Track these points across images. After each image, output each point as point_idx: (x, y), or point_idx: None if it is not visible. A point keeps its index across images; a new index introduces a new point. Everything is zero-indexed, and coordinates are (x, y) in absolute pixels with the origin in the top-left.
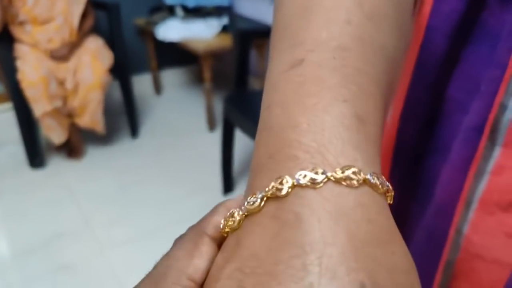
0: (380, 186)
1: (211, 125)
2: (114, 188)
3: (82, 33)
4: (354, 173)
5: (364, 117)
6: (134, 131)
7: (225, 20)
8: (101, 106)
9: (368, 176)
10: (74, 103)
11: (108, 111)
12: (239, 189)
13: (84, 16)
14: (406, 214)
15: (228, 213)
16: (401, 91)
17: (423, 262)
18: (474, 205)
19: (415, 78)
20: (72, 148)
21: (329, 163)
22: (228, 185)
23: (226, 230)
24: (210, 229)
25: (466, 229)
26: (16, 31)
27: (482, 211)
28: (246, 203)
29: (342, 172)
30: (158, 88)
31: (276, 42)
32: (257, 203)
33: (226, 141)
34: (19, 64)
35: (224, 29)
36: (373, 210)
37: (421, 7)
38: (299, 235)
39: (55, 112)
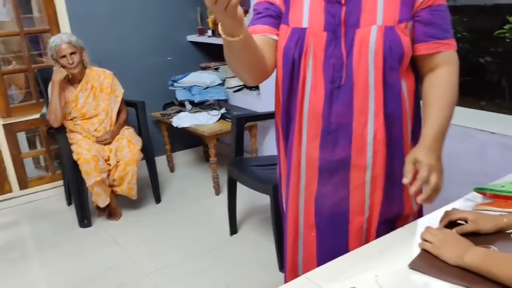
0: None
1: (217, 191)
2: (146, 237)
3: (119, 124)
4: None
5: None
6: (157, 198)
7: (223, 110)
8: (135, 177)
9: None
10: (115, 175)
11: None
12: (242, 231)
13: (119, 112)
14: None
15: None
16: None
17: None
18: None
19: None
20: (111, 211)
21: None
22: (233, 228)
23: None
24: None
25: None
26: (68, 124)
27: None
28: None
29: None
30: (171, 167)
31: None
32: None
33: (231, 192)
34: (74, 148)
35: (222, 117)
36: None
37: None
38: None
39: (102, 182)
